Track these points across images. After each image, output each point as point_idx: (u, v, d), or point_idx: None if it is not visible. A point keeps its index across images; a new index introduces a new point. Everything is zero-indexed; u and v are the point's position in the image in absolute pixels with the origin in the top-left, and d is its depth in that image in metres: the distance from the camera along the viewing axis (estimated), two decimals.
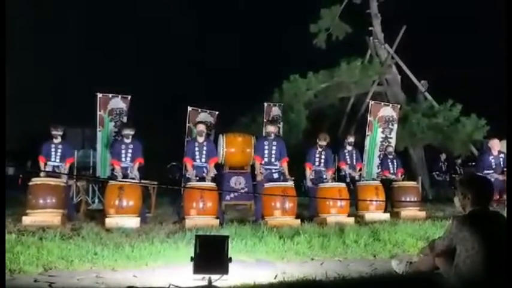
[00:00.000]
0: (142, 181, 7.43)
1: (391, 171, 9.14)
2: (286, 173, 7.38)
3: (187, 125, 9.88)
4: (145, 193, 7.96)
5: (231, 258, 3.50)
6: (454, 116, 12.42)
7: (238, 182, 9.34)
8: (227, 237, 3.64)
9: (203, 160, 7.42)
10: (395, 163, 9.24)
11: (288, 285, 3.50)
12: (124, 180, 6.95)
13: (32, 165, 12.84)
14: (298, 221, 6.76)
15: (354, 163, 8.70)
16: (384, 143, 10.61)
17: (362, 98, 13.83)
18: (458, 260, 3.07)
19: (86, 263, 4.13)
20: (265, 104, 10.81)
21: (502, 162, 8.38)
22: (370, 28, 14.75)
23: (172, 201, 9.44)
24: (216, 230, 5.84)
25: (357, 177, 8.58)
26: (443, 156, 13.39)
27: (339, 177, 8.78)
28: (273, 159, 7.45)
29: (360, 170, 8.98)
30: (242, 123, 12.61)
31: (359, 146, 9.74)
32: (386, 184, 8.48)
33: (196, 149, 7.45)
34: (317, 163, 7.97)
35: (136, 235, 5.51)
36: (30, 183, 6.88)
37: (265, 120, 10.08)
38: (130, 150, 7.43)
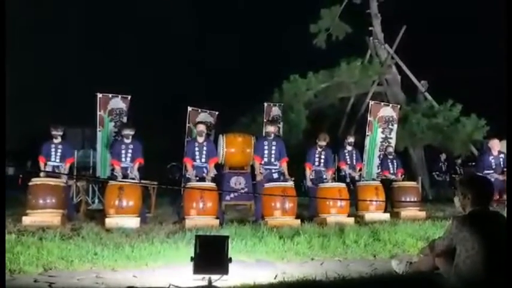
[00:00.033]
0: (142, 181, 7.43)
1: (391, 172, 9.13)
2: (286, 173, 7.38)
3: (187, 125, 9.88)
4: (145, 193, 7.96)
5: (231, 258, 3.50)
6: (454, 116, 12.42)
7: (238, 182, 9.33)
8: (227, 237, 3.64)
9: (203, 160, 7.42)
10: (395, 163, 9.24)
11: (288, 286, 3.50)
12: (124, 180, 6.95)
13: (32, 165, 12.84)
14: (298, 221, 6.76)
15: (354, 163, 8.70)
16: (383, 143, 10.61)
17: (362, 98, 13.83)
18: (458, 260, 3.07)
19: (86, 263, 4.13)
20: (265, 104, 10.81)
21: (502, 162, 8.38)
22: (370, 28, 14.76)
23: (172, 201, 9.43)
24: (216, 230, 5.84)
25: (357, 178, 8.58)
26: (443, 157, 13.39)
27: (339, 177, 8.78)
28: (272, 159, 7.45)
29: (360, 170, 8.99)
30: (242, 124, 12.61)
31: (359, 146, 9.74)
32: (386, 184, 8.47)
33: (196, 149, 7.45)
34: (317, 163, 7.97)
35: (136, 235, 5.51)
36: (30, 183, 6.88)
37: (265, 120, 10.08)
38: (130, 151, 7.43)
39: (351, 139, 8.89)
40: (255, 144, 7.96)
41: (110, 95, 9.16)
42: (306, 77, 12.96)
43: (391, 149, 9.63)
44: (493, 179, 7.27)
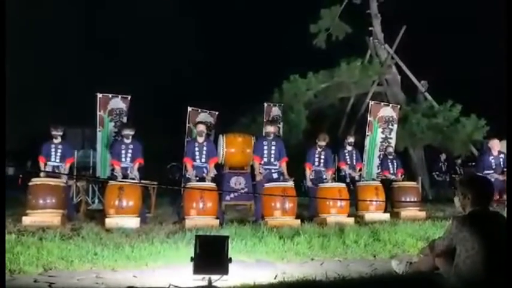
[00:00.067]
0: (142, 181, 7.43)
1: (391, 172, 9.14)
2: (285, 173, 7.38)
3: (187, 125, 9.88)
4: (145, 193, 7.96)
5: (231, 258, 3.50)
6: (454, 116, 12.43)
7: (238, 182, 9.33)
8: (227, 237, 3.64)
9: (203, 160, 7.42)
10: (395, 163, 9.24)
11: (288, 286, 3.50)
12: (124, 180, 6.95)
13: (32, 166, 12.84)
14: (298, 221, 6.76)
15: (354, 163, 8.70)
16: (383, 143, 10.61)
17: (362, 98, 13.84)
18: (458, 260, 3.07)
19: (86, 263, 4.13)
20: (265, 104, 10.82)
21: (502, 163, 8.38)
22: (370, 28, 14.77)
23: (172, 201, 9.43)
24: (216, 230, 5.84)
25: (356, 178, 8.58)
26: (443, 157, 13.39)
27: (339, 177, 8.78)
28: (272, 159, 7.44)
29: (360, 170, 8.99)
30: (242, 124, 12.62)
31: (359, 146, 9.75)
32: (386, 184, 8.47)
33: (196, 149, 7.44)
34: (317, 163, 7.97)
35: (136, 235, 5.51)
36: (30, 184, 6.88)
37: (264, 120, 10.08)
38: (130, 151, 7.43)
39: (351, 139, 8.89)
40: (255, 144, 7.95)
41: (110, 95, 9.16)
42: (306, 77, 12.97)
43: (391, 149, 9.63)
44: (493, 179, 7.27)
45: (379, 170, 10.08)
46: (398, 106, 11.47)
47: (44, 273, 3.86)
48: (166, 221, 7.11)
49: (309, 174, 7.92)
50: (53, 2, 18.50)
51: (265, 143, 7.50)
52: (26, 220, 6.46)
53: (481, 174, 7.18)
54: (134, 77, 18.56)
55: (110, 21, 19.66)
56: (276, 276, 3.77)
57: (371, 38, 14.73)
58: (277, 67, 15.59)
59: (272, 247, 4.85)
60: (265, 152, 7.44)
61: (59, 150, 7.65)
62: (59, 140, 7.70)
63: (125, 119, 9.08)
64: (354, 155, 8.76)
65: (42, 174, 7.32)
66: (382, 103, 11.43)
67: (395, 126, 10.89)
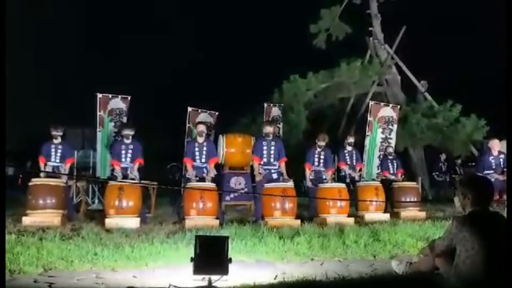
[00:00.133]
0: (142, 181, 7.43)
1: (391, 172, 9.13)
2: (285, 173, 7.38)
3: (187, 125, 9.88)
4: (145, 193, 7.96)
5: (231, 258, 3.50)
6: (453, 116, 12.43)
7: (238, 183, 9.33)
8: (227, 237, 3.64)
9: (203, 160, 7.42)
10: (395, 163, 9.24)
11: (288, 286, 3.50)
12: (124, 180, 6.95)
13: (32, 166, 12.85)
14: (298, 221, 6.76)
15: (354, 163, 8.70)
16: (383, 143, 10.61)
17: (362, 98, 13.84)
18: (458, 260, 3.07)
19: (85, 264, 4.13)
20: (265, 105, 10.82)
21: (502, 163, 8.37)
22: (370, 28, 14.77)
23: (172, 201, 9.44)
24: (216, 231, 5.84)
25: (356, 178, 8.58)
26: (443, 157, 13.38)
27: (339, 177, 8.78)
28: (271, 160, 7.44)
29: (360, 170, 8.98)
30: (242, 124, 12.62)
31: (359, 147, 9.74)
32: (386, 184, 8.47)
33: (196, 149, 7.44)
34: (316, 163, 7.97)
35: (136, 235, 5.51)
36: (30, 184, 6.88)
37: (264, 120, 10.08)
38: (130, 151, 7.43)
39: (351, 139, 8.88)
40: (254, 144, 7.95)
41: (110, 95, 9.17)
42: (306, 77, 12.97)
43: (391, 149, 9.63)
44: (493, 179, 7.27)
45: (379, 170, 10.07)
46: (398, 106, 11.47)
47: (44, 274, 3.86)
48: (166, 221, 7.11)
49: (309, 174, 7.93)
50: (53, 2, 18.50)
51: (264, 143, 7.50)
52: (26, 220, 6.47)
53: (481, 175, 7.18)
54: (134, 77, 18.58)
55: (110, 21, 19.68)
56: (276, 276, 3.77)
57: (371, 38, 14.74)
58: (277, 67, 15.60)
59: (272, 247, 4.85)
60: (265, 152, 7.44)
61: (59, 151, 7.65)
62: (59, 140, 7.70)
63: (124, 119, 9.08)
64: (354, 155, 8.75)
65: (42, 174, 7.32)
66: (382, 103, 11.44)
67: (395, 126, 10.89)
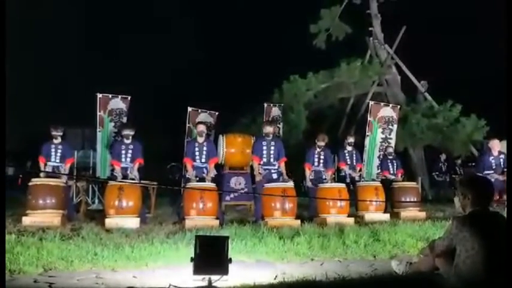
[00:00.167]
0: (142, 181, 7.43)
1: (391, 172, 9.13)
2: (284, 173, 7.38)
3: (187, 125, 9.88)
4: (145, 193, 7.96)
5: (231, 258, 3.50)
6: (453, 116, 12.43)
7: (238, 183, 9.33)
8: (227, 237, 3.64)
9: (203, 160, 7.42)
10: (395, 164, 9.23)
11: (288, 286, 3.50)
12: (124, 180, 6.95)
13: (32, 166, 12.84)
14: (298, 221, 6.76)
15: (354, 163, 8.69)
16: (383, 143, 10.61)
17: (362, 98, 13.84)
18: (458, 260, 3.07)
19: (85, 264, 4.13)
20: (265, 105, 10.82)
21: (502, 163, 8.37)
22: (370, 28, 14.78)
23: (172, 201, 9.44)
24: (216, 231, 5.84)
25: (356, 178, 8.57)
26: (443, 157, 13.38)
27: (339, 177, 8.78)
28: (271, 160, 7.44)
29: (360, 170, 8.97)
30: (242, 124, 12.62)
31: (359, 147, 9.74)
32: (386, 185, 8.47)
33: (196, 149, 7.44)
34: (316, 163, 7.97)
35: (136, 235, 5.51)
36: (30, 184, 6.88)
37: (264, 120, 10.08)
38: (130, 151, 7.43)
39: (351, 139, 8.88)
40: (254, 144, 7.94)
41: (110, 96, 9.16)
42: (306, 77, 12.97)
43: (391, 150, 9.63)
44: (493, 180, 7.27)
45: (379, 170, 10.07)
46: (398, 106, 11.47)
47: (44, 274, 3.86)
48: (166, 221, 7.11)
49: (309, 174, 7.93)
50: (53, 2, 18.51)
51: (264, 143, 7.49)
52: (26, 220, 6.46)
53: (481, 175, 7.18)
54: (134, 77, 18.58)
55: (110, 21, 19.68)
56: (276, 276, 3.77)
57: (371, 38, 14.74)
58: (277, 67, 15.61)
59: (272, 247, 4.85)
60: (264, 152, 7.43)
61: (59, 151, 7.65)
62: (59, 140, 7.70)
63: (124, 119, 9.08)
64: (354, 155, 8.75)
65: (42, 174, 7.32)
66: (382, 103, 11.43)
67: (395, 126, 10.89)
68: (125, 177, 7.17)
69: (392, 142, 10.65)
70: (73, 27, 20.52)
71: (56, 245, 4.65)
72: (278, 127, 10.70)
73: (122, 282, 3.61)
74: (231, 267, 3.47)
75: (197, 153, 7.43)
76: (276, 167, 7.43)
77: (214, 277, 3.41)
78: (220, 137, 9.41)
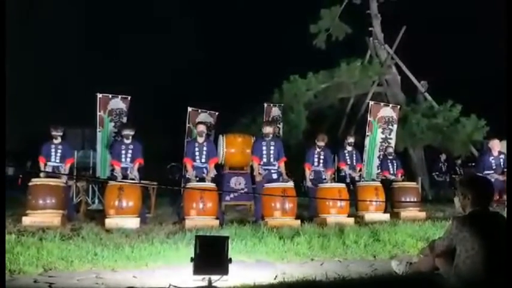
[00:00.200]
0: (142, 181, 7.43)
1: (391, 172, 9.13)
2: (284, 173, 7.38)
3: (187, 125, 9.89)
4: (145, 194, 7.96)
5: (231, 259, 3.50)
6: (453, 116, 12.44)
7: (238, 183, 9.33)
8: (227, 237, 3.64)
9: (203, 160, 7.41)
10: (395, 164, 9.23)
11: (288, 286, 3.50)
12: (124, 180, 6.95)
13: (32, 166, 12.84)
14: (298, 221, 6.76)
15: (354, 163, 8.69)
16: (383, 143, 10.61)
17: (362, 98, 13.85)
18: (458, 261, 3.07)
19: (85, 264, 4.13)
20: (265, 105, 10.83)
21: (502, 163, 8.37)
22: (370, 28, 14.78)
23: (172, 201, 9.44)
24: (216, 231, 5.84)
25: (357, 178, 8.57)
26: (443, 157, 13.38)
27: (339, 177, 8.78)
28: (271, 160, 7.44)
29: (360, 170, 8.97)
30: (242, 124, 12.62)
31: (359, 147, 9.74)
32: (386, 185, 8.47)
33: (196, 149, 7.44)
34: (316, 163, 7.97)
35: (136, 236, 5.51)
36: (30, 184, 6.88)
37: (264, 120, 10.08)
38: (130, 151, 7.42)
39: (351, 139, 8.88)
40: (253, 145, 7.93)
41: (110, 96, 9.16)
42: (306, 77, 12.98)
43: (391, 150, 9.63)
44: (493, 180, 7.26)
45: (379, 171, 10.07)
46: (398, 106, 11.47)
47: (44, 274, 3.86)
48: (166, 221, 7.11)
49: (309, 174, 7.93)
50: (53, 2, 18.51)
51: (263, 143, 7.49)
52: (26, 220, 6.46)
53: (481, 175, 7.17)
54: (134, 77, 18.58)
55: (110, 21, 19.68)
56: (276, 276, 3.77)
57: (371, 38, 14.74)
58: (277, 67, 15.61)
59: (272, 247, 4.85)
60: (264, 152, 7.43)
61: (59, 151, 7.65)
62: (59, 140, 7.69)
63: (124, 119, 9.08)
64: (354, 155, 8.75)
65: (42, 174, 7.32)
66: (382, 103, 11.44)
67: (395, 126, 10.89)
68: (125, 177, 7.17)
69: (392, 142, 10.65)
70: (73, 27, 20.53)
71: (56, 245, 4.65)
72: (278, 127, 10.70)
73: (122, 282, 3.61)
74: (231, 267, 3.47)
75: (197, 153, 7.43)
76: (276, 167, 7.43)
77: (214, 277, 3.41)
78: (220, 137, 9.42)
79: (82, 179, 8.90)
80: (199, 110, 10.12)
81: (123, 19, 20.15)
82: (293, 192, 7.04)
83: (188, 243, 4.68)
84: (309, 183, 7.93)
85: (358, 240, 5.20)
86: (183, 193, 7.33)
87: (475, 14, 15.56)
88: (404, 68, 14.13)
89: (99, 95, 9.08)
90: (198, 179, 7.21)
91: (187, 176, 7.43)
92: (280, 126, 10.99)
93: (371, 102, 11.15)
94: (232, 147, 9.32)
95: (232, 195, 9.13)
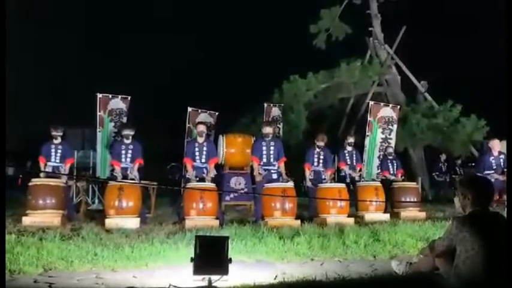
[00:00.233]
0: (142, 182, 7.43)
1: (391, 172, 9.13)
2: (283, 173, 7.37)
3: (187, 125, 9.89)
4: (145, 194, 7.96)
5: (231, 259, 3.50)
6: (454, 116, 12.44)
7: (238, 183, 9.34)
8: (227, 237, 3.64)
9: (203, 161, 7.41)
10: (395, 164, 9.23)
11: (288, 286, 3.50)
12: (124, 180, 6.94)
13: (32, 166, 12.85)
14: (298, 221, 6.76)
15: (354, 164, 8.69)
16: (383, 143, 10.61)
17: (362, 98, 13.85)
18: (458, 261, 3.07)
19: (85, 264, 4.13)
20: (265, 105, 10.83)
21: (502, 163, 8.36)
22: (370, 29, 14.79)
23: (172, 201, 9.44)
24: (216, 231, 5.84)
25: (357, 178, 8.57)
26: (443, 157, 13.38)
27: (339, 177, 8.78)
28: (271, 160, 7.44)
29: (360, 170, 8.97)
30: (242, 124, 12.63)
31: (359, 147, 9.74)
32: (386, 185, 8.47)
33: (196, 149, 7.43)
34: (316, 163, 7.97)
35: (136, 236, 5.51)
36: (30, 184, 6.88)
37: (264, 120, 10.08)
38: (130, 151, 7.42)
39: (351, 139, 8.88)
40: (253, 145, 7.92)
41: (110, 96, 9.16)
42: (306, 77, 12.98)
43: (391, 150, 9.63)
44: (493, 180, 7.27)
45: (379, 171, 10.07)
46: (398, 106, 11.47)
47: (44, 274, 3.86)
48: (166, 222, 7.11)
49: (309, 174, 7.92)
50: (53, 2, 18.51)
51: (263, 143, 7.49)
52: (26, 220, 6.46)
53: (481, 175, 7.18)
54: (134, 77, 18.59)
55: (110, 21, 19.69)
56: (276, 276, 3.77)
57: (371, 39, 14.75)
58: (277, 67, 15.62)
59: (272, 247, 4.85)
60: (264, 153, 7.43)
61: (59, 151, 7.65)
62: (59, 140, 7.69)
63: (124, 119, 9.08)
64: (354, 155, 8.75)
65: (42, 174, 7.32)
66: (382, 103, 11.44)
67: (395, 126, 10.89)
68: (125, 177, 7.17)
69: (392, 142, 10.65)
70: (73, 27, 20.53)
71: (56, 245, 4.65)
72: (278, 127, 10.71)
73: (122, 282, 3.61)
74: (231, 267, 3.48)
75: (197, 153, 7.42)
76: (276, 167, 7.43)
77: (214, 277, 3.41)
78: (220, 137, 9.42)
79: (82, 179, 8.90)
80: (199, 110, 10.12)
81: (123, 19, 20.18)
82: (293, 192, 7.04)
83: (188, 243, 4.68)
84: (308, 183, 7.93)
85: (358, 240, 5.20)
86: (183, 193, 7.33)
87: (475, 14, 15.56)
88: (404, 68, 14.13)
89: (99, 95, 9.08)
90: (198, 179, 7.21)
91: (187, 176, 7.43)
92: (280, 126, 10.99)
93: (371, 102, 11.15)
94: (232, 147, 9.32)
95: (232, 195, 9.13)
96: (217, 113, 10.33)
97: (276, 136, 8.80)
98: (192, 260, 3.47)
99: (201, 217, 6.59)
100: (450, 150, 13.00)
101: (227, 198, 9.06)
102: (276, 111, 10.95)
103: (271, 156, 7.43)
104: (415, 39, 14.27)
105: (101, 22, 19.94)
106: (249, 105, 12.84)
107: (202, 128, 7.58)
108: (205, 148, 7.46)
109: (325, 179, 7.90)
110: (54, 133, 7.63)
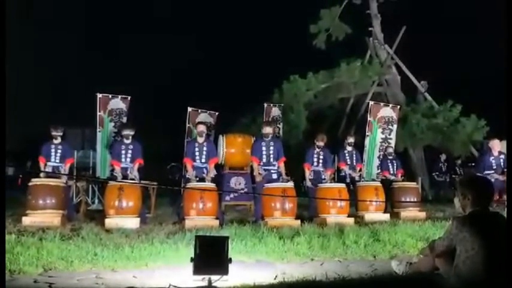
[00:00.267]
0: (142, 182, 7.42)
1: (391, 172, 9.13)
2: (283, 172, 7.37)
3: (187, 125, 9.89)
4: (145, 194, 7.96)
5: (231, 259, 3.50)
6: (454, 116, 12.44)
7: (238, 183, 9.34)
8: (227, 237, 3.64)
9: (203, 161, 7.41)
10: (395, 164, 9.23)
11: (288, 286, 3.50)
12: (124, 180, 6.94)
13: (32, 166, 12.85)
14: (298, 221, 6.76)
15: (354, 164, 8.69)
16: (383, 143, 10.61)
17: (362, 98, 13.85)
18: (458, 261, 3.07)
19: (85, 264, 4.13)
20: (265, 105, 10.82)
21: (502, 163, 8.37)
22: (370, 29, 14.79)
23: (172, 201, 9.44)
24: (215, 231, 5.84)
25: (357, 178, 8.57)
26: (443, 157, 13.38)
27: (339, 177, 8.78)
28: (271, 160, 7.44)
29: (360, 170, 8.97)
30: (242, 124, 12.63)
31: (359, 147, 9.74)
32: (386, 185, 8.47)
33: (196, 149, 7.43)
34: (315, 163, 7.97)
35: (136, 236, 5.51)
36: (30, 184, 6.88)
37: (264, 120, 10.08)
38: (130, 151, 7.42)
39: (351, 139, 8.88)
40: (253, 145, 7.92)
41: (110, 96, 9.16)
42: (306, 77, 12.98)
43: (391, 150, 9.63)
44: (493, 180, 7.27)
45: (379, 171, 10.07)
46: (398, 106, 11.47)
47: (44, 274, 3.86)
48: (166, 222, 7.11)
49: (308, 174, 7.92)
50: (53, 2, 18.51)
51: (263, 144, 7.48)
52: (26, 220, 6.46)
53: (481, 175, 7.17)
54: (134, 77, 18.59)
55: (110, 21, 19.69)
56: (276, 276, 3.77)
57: (371, 39, 14.75)
58: (277, 67, 15.62)
59: (272, 247, 4.85)
60: (264, 153, 7.43)
61: (59, 151, 7.65)
62: (59, 140, 7.69)
63: (124, 119, 9.08)
64: (354, 155, 8.74)
65: (42, 174, 7.31)
66: (382, 103, 11.44)
67: (395, 126, 10.89)
68: (125, 177, 7.16)
69: (392, 142, 10.65)
70: (73, 27, 20.54)
71: (56, 245, 4.65)
72: (278, 127, 10.71)
73: (122, 282, 3.61)
74: (231, 267, 3.47)
75: (197, 153, 7.42)
76: (276, 167, 7.43)
77: (214, 277, 3.41)
78: (220, 137, 9.42)
79: (82, 179, 8.90)
80: (199, 110, 10.12)
81: (123, 19, 20.18)
82: (293, 192, 7.04)
83: (188, 243, 4.68)
84: (308, 183, 7.93)
85: (358, 240, 5.20)
86: (183, 193, 7.32)
87: (475, 14, 15.56)
88: (404, 68, 14.13)
89: (99, 95, 9.08)
90: (198, 179, 7.20)
91: (187, 176, 7.43)
92: (280, 126, 10.99)
93: (371, 102, 11.15)
94: (232, 147, 9.32)
95: (232, 195, 9.13)
96: (217, 113, 10.33)
97: (276, 136, 8.80)
98: (192, 260, 3.47)
99: (201, 217, 6.59)
100: (450, 150, 13.00)
101: (227, 198, 9.06)
102: (276, 111, 10.95)
103: (271, 156, 7.43)
104: (415, 39, 14.28)
105: (100, 22, 19.97)
106: (249, 105, 12.85)
107: (202, 128, 7.58)
108: (205, 148, 7.46)
109: (325, 179, 7.90)
110: (54, 133, 7.63)
